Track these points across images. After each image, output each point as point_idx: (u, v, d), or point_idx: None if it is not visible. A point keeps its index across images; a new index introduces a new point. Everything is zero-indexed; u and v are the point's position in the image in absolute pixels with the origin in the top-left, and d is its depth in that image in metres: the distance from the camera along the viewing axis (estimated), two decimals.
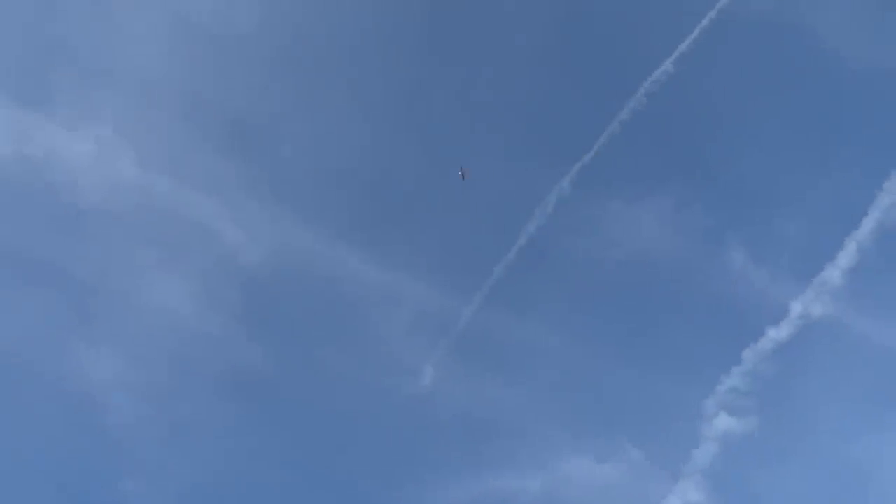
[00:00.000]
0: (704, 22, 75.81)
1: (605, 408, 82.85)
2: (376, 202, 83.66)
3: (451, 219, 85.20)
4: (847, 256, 75.20)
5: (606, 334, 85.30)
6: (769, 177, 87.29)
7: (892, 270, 78.23)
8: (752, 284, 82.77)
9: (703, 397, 77.58)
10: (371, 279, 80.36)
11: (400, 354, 79.65)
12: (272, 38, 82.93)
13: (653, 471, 78.19)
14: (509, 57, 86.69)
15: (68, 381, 69.76)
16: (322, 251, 79.55)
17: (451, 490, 75.46)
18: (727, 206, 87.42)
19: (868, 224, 74.24)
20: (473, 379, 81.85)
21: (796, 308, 77.96)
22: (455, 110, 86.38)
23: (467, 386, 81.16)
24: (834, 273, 76.40)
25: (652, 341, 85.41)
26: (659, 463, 77.48)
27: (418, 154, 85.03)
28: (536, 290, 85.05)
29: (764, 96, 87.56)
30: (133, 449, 69.28)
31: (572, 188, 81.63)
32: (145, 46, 78.33)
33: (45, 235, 72.79)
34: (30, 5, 75.75)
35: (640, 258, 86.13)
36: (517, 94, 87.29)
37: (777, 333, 77.88)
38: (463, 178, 76.89)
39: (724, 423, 76.77)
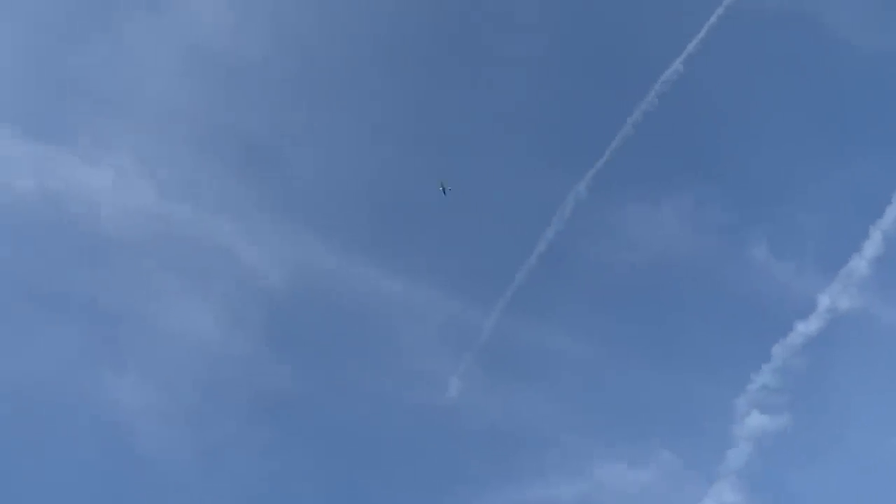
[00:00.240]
0: (712, 19, 75.64)
1: (635, 412, 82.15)
2: (393, 216, 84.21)
3: (469, 228, 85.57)
4: (873, 246, 74.16)
5: (632, 338, 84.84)
6: (787, 169, 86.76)
7: None
8: (777, 279, 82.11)
9: (735, 396, 76.75)
10: (392, 293, 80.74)
11: (425, 367, 79.73)
12: (282, 62, 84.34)
13: (687, 473, 77.41)
14: (516, 65, 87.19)
15: (98, 410, 70.64)
16: (342, 268, 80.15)
17: (485, 501, 75.26)
18: (746, 201, 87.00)
19: (892, 212, 73.20)
20: (500, 389, 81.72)
21: (824, 301, 76.97)
22: (466, 121, 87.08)
23: (495, 396, 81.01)
24: (860, 264, 75.37)
25: (679, 342, 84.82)
26: (693, 465, 76.74)
27: (431, 166, 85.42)
28: (559, 297, 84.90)
29: (777, 89, 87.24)
30: (165, 474, 69.65)
31: (589, 192, 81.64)
32: (160, 76, 79.95)
33: (70, 267, 74.04)
34: (46, 41, 77.64)
35: (662, 259, 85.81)
36: (526, 101, 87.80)
37: (806, 328, 76.89)
38: (444, 192, 77.15)
39: (757, 421, 75.85)
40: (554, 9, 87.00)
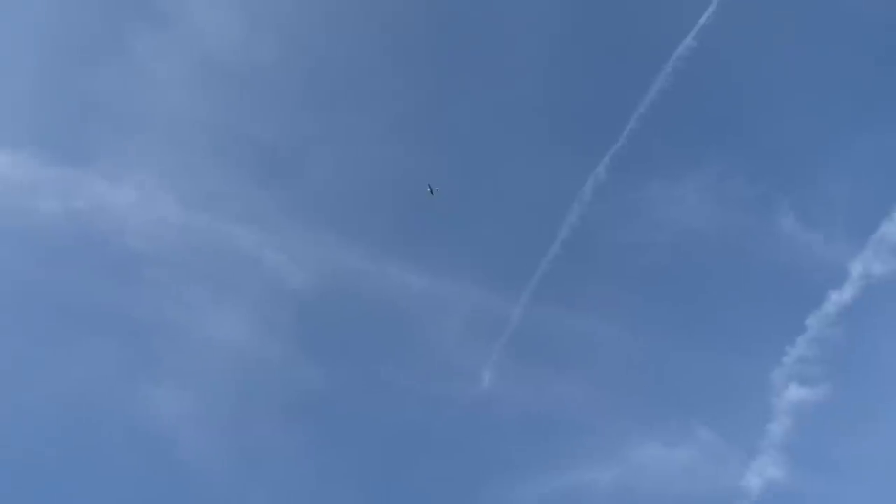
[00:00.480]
0: None
1: (670, 391, 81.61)
2: (413, 212, 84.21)
3: (489, 220, 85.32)
4: None
5: (662, 317, 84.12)
6: (810, 138, 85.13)
7: None
8: (808, 249, 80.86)
9: (771, 370, 76.32)
10: (418, 288, 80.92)
11: (456, 360, 79.94)
12: (291, 67, 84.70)
13: (727, 450, 76.76)
14: (527, 52, 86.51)
15: (139, 421, 71.91)
16: (367, 267, 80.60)
17: (523, 489, 75.19)
18: (770, 172, 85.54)
19: None
20: (532, 376, 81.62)
21: (856, 268, 75.90)
22: (478, 112, 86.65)
23: (527, 384, 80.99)
24: (891, 229, 74.05)
25: (710, 319, 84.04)
26: (733, 442, 76.08)
27: (447, 160, 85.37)
28: (585, 281, 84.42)
29: (796, 56, 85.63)
30: (207, 479, 70.82)
31: (608, 174, 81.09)
32: (173, 91, 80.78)
33: (102, 284, 75.43)
34: (60, 66, 78.82)
35: (687, 236, 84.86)
36: (538, 88, 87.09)
37: (839, 297, 75.87)
38: (432, 193, 77.09)
39: (795, 394, 75.09)
40: None
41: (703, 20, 77.15)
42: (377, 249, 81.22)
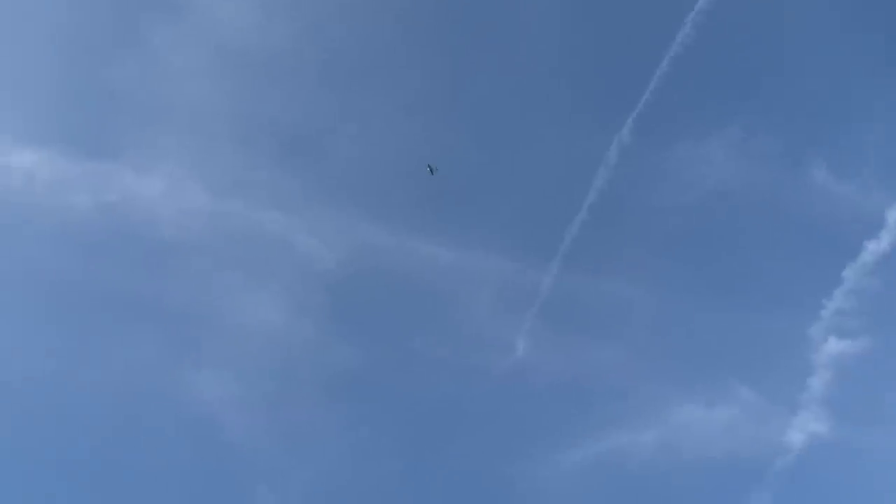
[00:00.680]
0: None
1: (707, 352, 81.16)
2: (438, 186, 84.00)
3: (515, 189, 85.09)
4: None
5: (695, 278, 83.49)
6: (837, 85, 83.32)
7: None
8: (841, 200, 79.54)
9: (809, 324, 75.48)
10: (447, 262, 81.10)
11: (488, 331, 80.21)
12: (307, 50, 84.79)
13: (768, 407, 76.31)
14: (540, 17, 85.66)
15: (183, 406, 73.28)
16: (394, 244, 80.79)
17: (564, 456, 75.53)
18: (798, 124, 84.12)
19: None
20: (566, 343, 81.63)
21: (892, 216, 74.50)
22: (497, 83, 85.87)
23: (562, 351, 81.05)
24: None
25: (745, 277, 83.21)
26: (774, 399, 75.54)
27: (468, 133, 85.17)
28: (614, 246, 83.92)
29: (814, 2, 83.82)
30: (254, 460, 72.11)
31: (632, 137, 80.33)
32: (192, 80, 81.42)
33: (137, 274, 76.71)
34: (80, 61, 79.84)
35: (716, 195, 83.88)
36: (555, 55, 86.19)
37: (876, 246, 74.63)
38: (432, 173, 76.96)
39: (834, 347, 74.19)
40: None
41: None
42: (403, 226, 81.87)
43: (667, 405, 78.12)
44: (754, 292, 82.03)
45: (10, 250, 74.41)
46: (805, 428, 72.32)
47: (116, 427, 71.60)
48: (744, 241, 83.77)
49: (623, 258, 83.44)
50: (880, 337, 73.36)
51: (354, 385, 77.44)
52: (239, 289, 78.16)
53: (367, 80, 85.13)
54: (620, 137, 79.81)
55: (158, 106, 79.96)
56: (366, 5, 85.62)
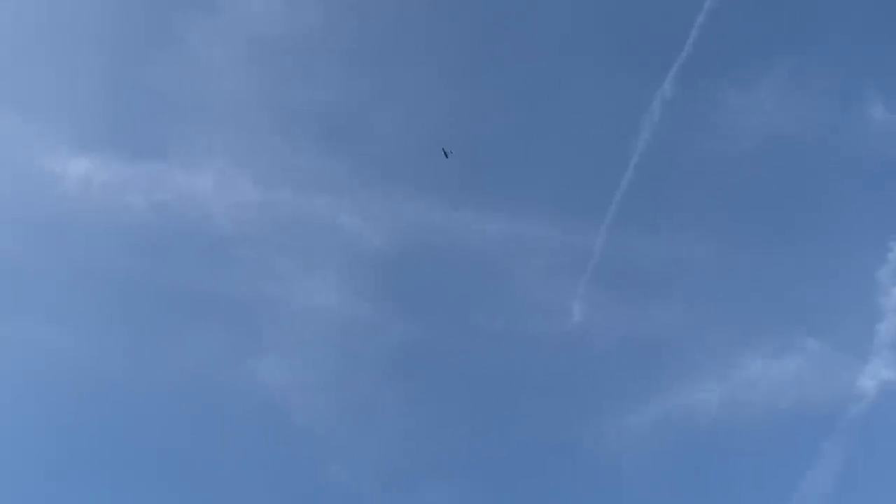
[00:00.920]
0: None
1: (770, 302, 79.54)
2: (479, 158, 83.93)
3: (559, 154, 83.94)
4: None
5: (753, 228, 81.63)
6: (887, 12, 79.59)
7: None
8: None
9: (876, 269, 73.41)
10: (496, 233, 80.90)
11: (544, 298, 79.87)
12: (338, 32, 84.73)
13: (838, 356, 74.58)
14: None
15: (253, 394, 75.09)
16: (441, 218, 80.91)
17: (632, 418, 75.25)
18: (849, 59, 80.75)
19: None
20: (624, 305, 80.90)
21: None
22: (532, 46, 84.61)
23: (620, 313, 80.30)
24: None
25: (805, 224, 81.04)
26: (843, 347, 73.73)
27: (505, 100, 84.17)
28: (666, 202, 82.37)
29: None
30: (324, 441, 73.64)
31: (674, 89, 78.38)
32: (230, 73, 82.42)
33: (195, 269, 78.41)
34: (119, 64, 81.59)
35: (770, 141, 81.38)
36: (590, 11, 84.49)
37: None
38: (446, 156, 76.36)
39: None
40: None
41: None
42: (450, 200, 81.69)
43: (731, 360, 77.14)
44: (816, 238, 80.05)
45: (74, 255, 77.21)
46: (877, 375, 70.56)
47: (191, 419, 74.19)
48: (801, 187, 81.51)
49: (675, 214, 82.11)
50: None
51: (415, 360, 78.45)
52: (295, 275, 79.76)
53: (399, 56, 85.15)
54: (662, 91, 78.30)
55: (199, 102, 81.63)
56: None
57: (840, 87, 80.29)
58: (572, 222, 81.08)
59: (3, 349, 72.82)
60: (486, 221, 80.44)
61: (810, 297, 77.81)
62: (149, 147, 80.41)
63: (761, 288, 79.45)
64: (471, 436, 75.77)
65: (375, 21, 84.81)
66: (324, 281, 79.51)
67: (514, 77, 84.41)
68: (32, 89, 79.60)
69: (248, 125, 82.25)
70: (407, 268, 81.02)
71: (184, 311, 77.62)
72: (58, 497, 69.33)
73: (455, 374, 77.84)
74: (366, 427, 74.76)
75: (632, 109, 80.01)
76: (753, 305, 79.31)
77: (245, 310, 77.58)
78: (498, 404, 77.40)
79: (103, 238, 77.65)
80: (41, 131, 78.12)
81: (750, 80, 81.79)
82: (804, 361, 75.00)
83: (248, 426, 73.79)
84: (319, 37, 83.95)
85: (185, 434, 73.24)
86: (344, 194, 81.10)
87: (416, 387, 77.36)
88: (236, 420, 73.96)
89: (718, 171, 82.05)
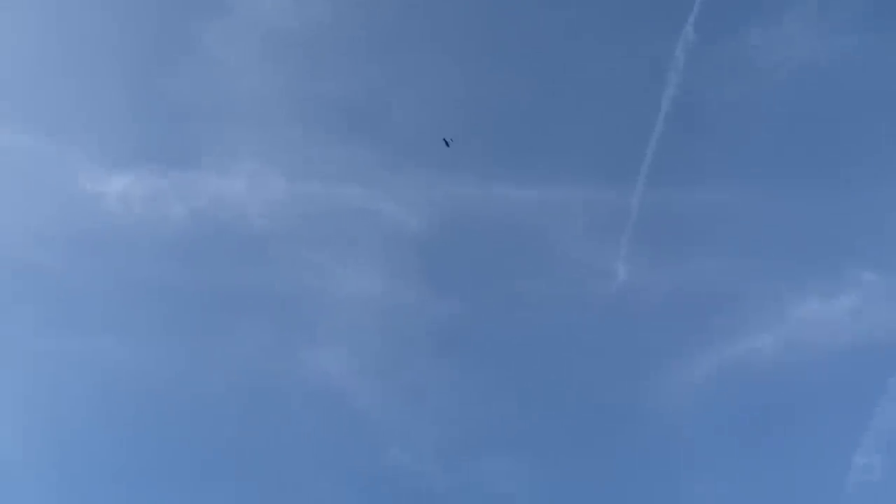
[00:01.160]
0: None
1: (817, 241, 77.77)
2: (504, 129, 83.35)
3: (585, 114, 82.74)
4: None
5: (793, 167, 79.53)
6: None
7: None
8: None
9: None
10: (530, 201, 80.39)
11: (587, 262, 79.09)
12: (350, 20, 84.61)
13: (894, 287, 72.66)
14: None
15: (308, 385, 76.17)
16: (476, 193, 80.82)
17: (687, 372, 74.48)
18: None
19: None
20: (668, 259, 79.86)
21: None
22: (543, 4, 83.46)
23: (665, 268, 79.29)
24: None
25: (846, 158, 78.72)
26: None
27: (525, 66, 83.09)
28: (700, 151, 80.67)
29: None
30: (382, 424, 74.44)
31: (697, 34, 76.78)
32: (248, 73, 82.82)
33: (239, 269, 79.59)
34: (140, 75, 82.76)
35: (801, 75, 79.01)
36: None
37: None
38: (447, 145, 76.12)
39: None
40: None
41: None
42: (480, 174, 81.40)
43: (784, 304, 75.66)
44: (858, 170, 77.67)
45: (121, 267, 79.02)
46: None
47: (253, 415, 75.49)
48: (839, 120, 79.10)
49: (711, 161, 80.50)
50: None
51: (463, 336, 78.55)
52: (335, 265, 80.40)
53: (412, 39, 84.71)
54: (685, 36, 76.73)
55: (223, 105, 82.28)
56: None
57: (870, 11, 77.82)
58: (607, 182, 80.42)
59: (64, 365, 75.29)
60: (519, 190, 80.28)
61: (859, 230, 76.09)
62: (179, 156, 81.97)
63: (808, 227, 77.84)
64: (526, 406, 75.84)
65: (387, 6, 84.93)
66: (364, 268, 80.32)
67: (530, 41, 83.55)
68: (61, 111, 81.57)
69: (273, 123, 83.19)
70: (445, 245, 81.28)
71: (231, 311, 79.11)
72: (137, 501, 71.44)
73: (504, 346, 77.96)
74: (421, 407, 75.47)
75: (655, 59, 78.75)
76: (802, 245, 77.71)
77: (290, 304, 78.74)
78: (550, 372, 77.31)
79: (147, 249, 79.60)
80: (75, 152, 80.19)
81: (774, 15, 79.65)
82: (861, 296, 73.53)
83: (307, 416, 75.09)
84: (332, 28, 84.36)
85: (250, 429, 74.78)
86: (374, 181, 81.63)
87: (467, 362, 77.84)
88: (295, 412, 75.28)
89: (751, 112, 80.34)
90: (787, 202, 78.09)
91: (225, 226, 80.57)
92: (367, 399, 74.70)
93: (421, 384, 76.09)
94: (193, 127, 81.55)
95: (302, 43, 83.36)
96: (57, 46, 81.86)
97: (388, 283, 79.46)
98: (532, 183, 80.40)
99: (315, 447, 73.64)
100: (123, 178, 79.66)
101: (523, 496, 71.28)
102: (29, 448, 71.94)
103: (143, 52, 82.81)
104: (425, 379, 76.29)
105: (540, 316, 77.82)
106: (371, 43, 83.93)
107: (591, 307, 77.72)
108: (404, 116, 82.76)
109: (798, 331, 73.96)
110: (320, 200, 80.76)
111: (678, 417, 73.81)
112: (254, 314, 78.51)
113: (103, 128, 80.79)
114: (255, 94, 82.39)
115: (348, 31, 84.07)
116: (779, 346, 73.93)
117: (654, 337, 77.03)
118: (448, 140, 76.30)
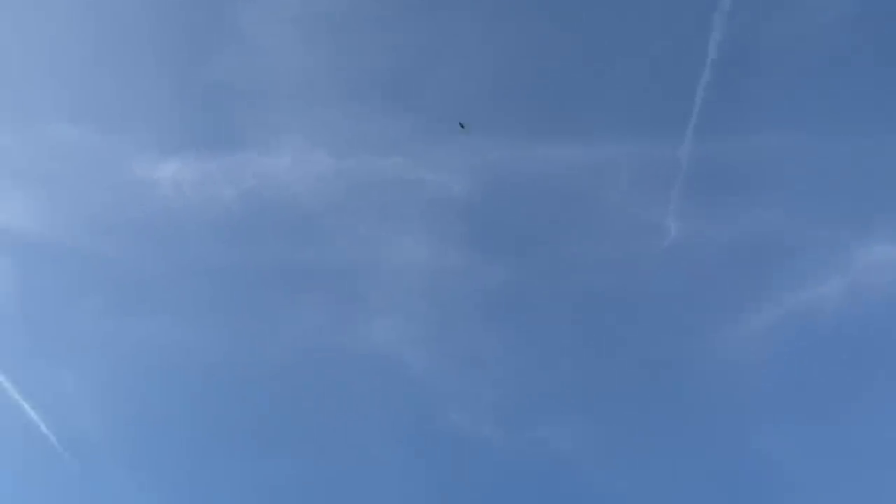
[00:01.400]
0: None
1: (881, 183, 74.43)
2: (543, 91, 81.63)
3: (627, 68, 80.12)
4: None
5: (849, 105, 75.85)
6: None
7: None
8: None
9: None
10: (576, 160, 78.72)
11: (638, 219, 77.61)
12: None
13: None
14: None
15: (367, 356, 76.98)
16: (518, 155, 79.61)
17: (750, 325, 72.98)
18: None
19: None
20: (722, 211, 77.65)
21: None
22: None
23: (719, 221, 77.22)
24: None
25: None
26: None
27: (559, 26, 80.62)
28: (750, 95, 77.19)
29: None
30: (441, 389, 75.23)
31: None
32: (285, 52, 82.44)
33: (290, 245, 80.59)
34: (184, 62, 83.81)
35: (854, 7, 74.97)
36: None
37: None
38: (462, 127, 75.19)
39: None
40: None
41: None
42: (522, 136, 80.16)
43: (846, 249, 73.10)
44: None
45: (178, 251, 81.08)
46: None
47: (316, 388, 77.22)
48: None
49: (763, 106, 77.09)
50: None
51: (515, 299, 78.24)
52: (383, 236, 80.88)
53: (445, 8, 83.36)
54: None
55: (263, 86, 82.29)
56: None
57: None
58: (654, 134, 77.97)
59: (132, 350, 77.97)
60: (563, 150, 78.73)
61: None
62: (225, 139, 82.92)
63: (868, 169, 74.47)
64: (583, 367, 75.62)
65: None
66: (413, 237, 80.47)
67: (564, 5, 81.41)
68: (108, 102, 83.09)
69: (312, 100, 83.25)
70: (491, 210, 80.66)
71: (286, 288, 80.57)
72: (213, 478, 74.10)
73: (557, 308, 77.57)
74: (477, 371, 75.81)
75: (700, 2, 75.84)
76: (863, 188, 74.60)
77: (343, 276, 79.67)
78: (606, 332, 76.84)
79: (202, 231, 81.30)
80: (125, 142, 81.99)
81: None
82: None
83: (365, 386, 76.18)
84: (365, 2, 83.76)
85: (312, 400, 76.64)
86: (417, 150, 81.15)
87: (520, 325, 77.70)
88: (354, 381, 76.46)
89: (802, 51, 76.59)
90: (843, 144, 74.89)
91: (273, 204, 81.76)
92: (424, 365, 75.62)
93: (476, 349, 76.69)
94: (236, 109, 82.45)
95: (334, 19, 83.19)
96: (97, 40, 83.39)
97: (437, 250, 79.81)
98: (575, 140, 79.06)
99: (376, 415, 74.94)
100: (173, 164, 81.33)
101: (584, 456, 71.60)
102: (108, 430, 74.87)
103: (181, 41, 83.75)
104: (480, 343, 76.83)
105: (592, 276, 77.22)
106: (405, 14, 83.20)
107: (644, 265, 76.63)
108: (443, 83, 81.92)
109: (865, 276, 71.74)
110: (364, 174, 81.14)
111: (741, 372, 72.68)
112: (307, 288, 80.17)
113: (149, 116, 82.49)
114: (293, 73, 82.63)
115: (381, 6, 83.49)
116: (843, 295, 71.78)
117: (711, 292, 75.77)
118: (463, 124, 75.64)
